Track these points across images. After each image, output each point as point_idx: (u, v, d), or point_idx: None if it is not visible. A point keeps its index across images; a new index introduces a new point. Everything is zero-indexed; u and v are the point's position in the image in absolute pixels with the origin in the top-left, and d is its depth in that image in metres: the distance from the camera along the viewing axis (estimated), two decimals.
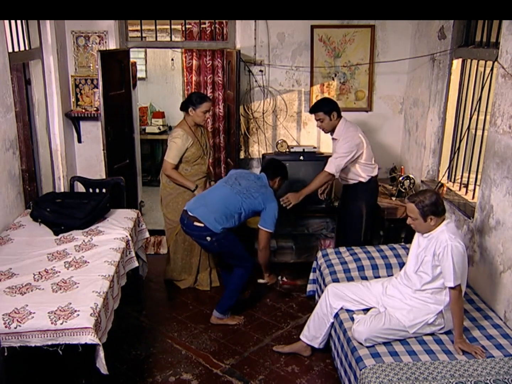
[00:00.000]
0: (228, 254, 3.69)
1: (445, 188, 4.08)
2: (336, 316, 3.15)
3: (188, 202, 3.69)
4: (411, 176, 4.36)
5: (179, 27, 5.99)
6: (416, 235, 3.02)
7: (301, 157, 4.59)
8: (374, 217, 4.22)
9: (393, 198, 4.38)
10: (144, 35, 5.28)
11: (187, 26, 5.46)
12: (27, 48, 4.28)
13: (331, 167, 3.81)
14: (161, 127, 7.08)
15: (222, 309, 3.77)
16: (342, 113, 3.96)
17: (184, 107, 4.02)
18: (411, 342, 2.84)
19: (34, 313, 2.46)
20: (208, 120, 4.14)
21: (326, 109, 3.85)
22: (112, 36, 4.79)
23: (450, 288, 2.76)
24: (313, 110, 3.93)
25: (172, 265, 4.33)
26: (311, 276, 3.91)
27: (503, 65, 3.08)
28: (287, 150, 4.71)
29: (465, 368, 2.61)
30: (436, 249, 2.80)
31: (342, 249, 3.84)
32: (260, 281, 3.92)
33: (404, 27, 4.79)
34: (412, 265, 2.96)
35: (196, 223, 3.50)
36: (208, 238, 3.51)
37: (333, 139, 3.99)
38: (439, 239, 2.80)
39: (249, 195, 3.54)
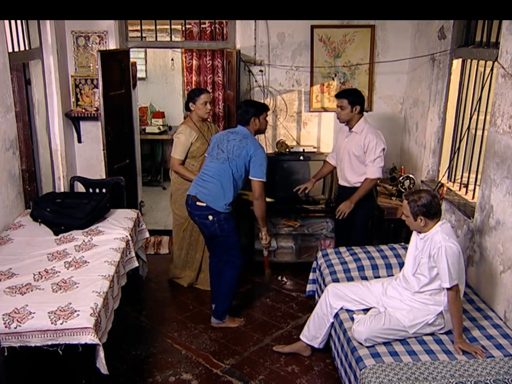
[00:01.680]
0: (223, 241, 3.59)
1: (445, 188, 4.08)
2: (336, 316, 3.15)
3: (189, 187, 3.66)
4: (411, 176, 4.36)
5: (179, 27, 5.99)
6: (413, 236, 3.03)
7: (301, 157, 4.59)
8: (374, 221, 4.22)
9: (393, 198, 4.39)
10: (144, 35, 5.28)
11: (187, 26, 5.46)
12: (27, 48, 4.28)
13: (373, 172, 3.75)
14: (161, 127, 7.07)
15: (218, 314, 3.74)
16: None
17: (187, 106, 4.09)
18: (411, 342, 2.84)
19: (34, 313, 2.46)
20: (209, 114, 4.13)
21: (351, 99, 3.77)
22: (112, 36, 4.79)
23: (447, 289, 2.76)
24: (339, 95, 3.85)
25: (175, 262, 4.35)
26: (311, 276, 3.91)
27: (503, 65, 3.08)
28: (287, 150, 4.71)
29: (465, 368, 2.61)
30: (431, 251, 2.81)
31: (342, 249, 3.84)
32: (260, 237, 3.73)
33: (404, 27, 4.79)
34: (410, 267, 2.96)
35: (198, 203, 3.51)
36: (210, 217, 3.48)
37: (350, 131, 3.86)
38: (434, 240, 2.81)
39: (234, 157, 3.49)
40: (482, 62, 3.73)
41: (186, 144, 3.97)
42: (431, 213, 2.81)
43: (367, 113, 4.93)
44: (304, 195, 4.28)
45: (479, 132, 3.73)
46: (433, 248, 2.79)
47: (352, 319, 3.02)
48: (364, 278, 3.48)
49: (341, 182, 4.02)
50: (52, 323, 2.41)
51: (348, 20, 4.73)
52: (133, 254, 3.49)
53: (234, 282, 3.69)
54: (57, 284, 2.74)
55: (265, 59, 4.85)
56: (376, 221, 4.39)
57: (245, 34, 4.79)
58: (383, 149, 3.77)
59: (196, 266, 4.30)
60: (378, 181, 3.91)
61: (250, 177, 3.54)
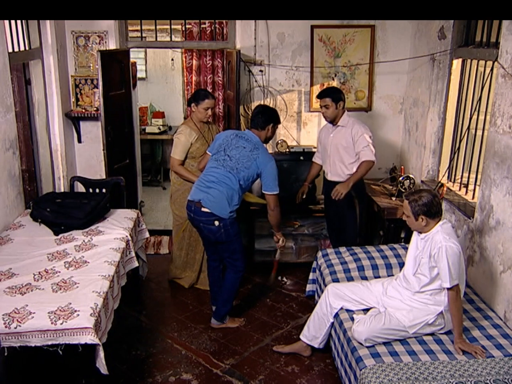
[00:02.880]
0: (228, 246, 3.56)
1: (445, 188, 4.08)
2: (336, 316, 3.15)
3: (190, 192, 3.58)
4: (411, 176, 4.35)
5: (179, 27, 6.00)
6: (414, 236, 3.02)
7: (301, 157, 4.59)
8: (368, 213, 4.24)
9: (393, 198, 4.38)
10: (144, 35, 5.28)
11: (187, 26, 5.46)
12: (27, 48, 4.28)
13: (370, 155, 3.77)
14: (161, 127, 7.08)
15: (219, 317, 3.74)
16: None
17: (189, 102, 4.09)
18: (411, 342, 2.84)
19: (34, 313, 2.46)
20: (209, 118, 4.11)
21: (334, 97, 3.83)
22: (112, 36, 4.79)
23: (447, 288, 2.76)
24: (322, 95, 3.89)
25: (175, 262, 4.34)
26: (311, 276, 3.91)
27: (503, 65, 3.08)
28: (287, 150, 4.71)
29: (465, 368, 2.61)
30: (432, 250, 2.80)
31: (342, 249, 3.84)
32: (276, 241, 3.79)
33: (404, 27, 4.79)
34: (410, 267, 2.96)
35: (203, 209, 3.42)
36: (216, 223, 3.41)
37: (337, 126, 3.92)
38: (434, 240, 2.81)
39: (243, 168, 3.41)
40: (482, 62, 3.73)
41: (186, 144, 3.96)
42: (432, 212, 2.81)
43: (367, 113, 4.98)
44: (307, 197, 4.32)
45: (479, 132, 3.73)
46: (433, 248, 2.79)
47: (352, 319, 3.02)
48: (364, 278, 3.48)
49: (331, 177, 4.04)
50: (52, 323, 2.41)
51: (348, 20, 4.73)
52: (133, 254, 3.49)
53: (236, 286, 3.69)
54: (57, 284, 2.75)
55: (265, 59, 4.85)
56: (376, 221, 4.39)
57: (245, 34, 4.79)
58: (370, 136, 3.84)
59: (197, 267, 4.30)
60: (373, 165, 3.88)
61: (264, 192, 3.50)
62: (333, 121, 3.93)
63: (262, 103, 4.93)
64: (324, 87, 4.92)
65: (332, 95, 3.85)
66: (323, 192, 4.42)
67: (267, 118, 3.55)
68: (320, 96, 3.91)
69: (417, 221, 2.85)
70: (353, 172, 3.88)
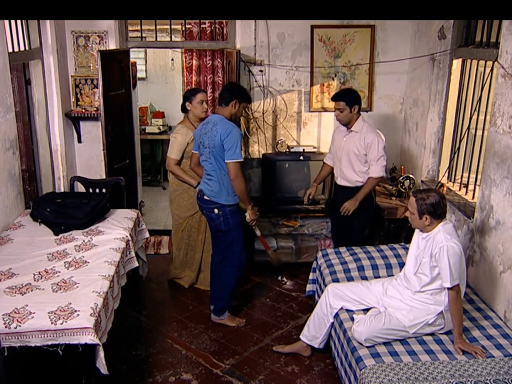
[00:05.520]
0: (226, 235, 3.59)
1: (445, 188, 4.09)
2: (336, 316, 3.15)
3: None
4: (411, 176, 4.36)
5: (179, 27, 6.00)
6: (415, 236, 3.02)
7: (301, 157, 4.59)
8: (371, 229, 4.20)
9: (393, 198, 4.38)
10: (144, 35, 5.28)
11: (187, 26, 5.47)
12: (27, 48, 4.28)
13: (377, 171, 3.74)
14: (161, 127, 7.08)
15: (215, 310, 3.77)
16: None
17: (183, 107, 4.07)
18: (411, 342, 2.84)
19: (34, 313, 2.46)
20: (207, 113, 4.11)
21: (349, 100, 3.72)
22: (112, 36, 4.79)
23: (448, 288, 2.77)
24: (336, 98, 3.79)
25: (175, 262, 4.35)
26: (311, 276, 3.91)
27: (503, 65, 3.09)
28: (287, 150, 4.71)
29: (465, 368, 2.61)
30: (433, 250, 2.81)
31: (342, 249, 3.84)
32: (247, 216, 3.67)
33: (404, 27, 4.79)
34: (411, 267, 2.96)
35: (205, 197, 3.59)
36: (216, 210, 3.53)
37: (351, 130, 3.83)
38: (436, 240, 2.81)
39: (212, 149, 3.44)
40: (482, 62, 3.73)
41: (183, 144, 3.97)
42: (438, 213, 2.81)
43: (367, 113, 4.97)
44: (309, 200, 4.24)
45: (479, 132, 3.73)
46: (434, 248, 2.79)
47: (352, 319, 3.02)
48: (364, 278, 3.48)
49: (341, 182, 3.98)
50: (52, 323, 2.41)
51: (348, 20, 4.73)
52: (133, 254, 3.49)
53: (231, 281, 3.69)
54: (57, 284, 2.74)
55: (265, 59, 4.85)
56: (376, 221, 4.39)
57: (245, 34, 4.79)
58: (384, 146, 3.78)
59: (196, 267, 4.30)
60: (380, 179, 3.87)
61: (226, 161, 3.43)
62: (347, 124, 3.84)
63: (262, 103, 4.94)
64: (324, 87, 4.93)
65: (347, 99, 3.73)
66: (332, 195, 4.33)
67: (232, 94, 3.51)
68: (335, 98, 3.81)
69: (420, 219, 2.84)
70: (363, 180, 3.84)
